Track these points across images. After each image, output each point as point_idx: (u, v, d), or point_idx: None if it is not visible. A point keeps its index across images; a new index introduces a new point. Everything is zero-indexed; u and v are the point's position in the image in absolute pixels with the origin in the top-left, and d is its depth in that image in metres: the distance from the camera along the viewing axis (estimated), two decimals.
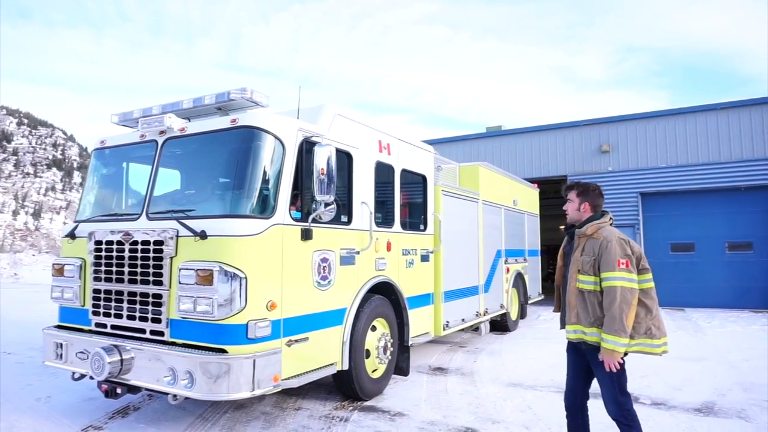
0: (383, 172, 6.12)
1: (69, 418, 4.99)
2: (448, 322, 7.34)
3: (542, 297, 12.77)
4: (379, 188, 5.97)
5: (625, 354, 3.24)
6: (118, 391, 4.49)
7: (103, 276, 4.77)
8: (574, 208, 3.54)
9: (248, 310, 4.11)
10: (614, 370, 3.18)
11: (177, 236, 4.34)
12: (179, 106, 5.01)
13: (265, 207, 4.41)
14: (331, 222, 5.00)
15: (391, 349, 5.99)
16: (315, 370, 4.78)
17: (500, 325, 10.11)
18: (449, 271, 7.44)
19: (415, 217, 6.99)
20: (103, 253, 4.77)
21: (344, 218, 5.39)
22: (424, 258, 6.91)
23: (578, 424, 3.60)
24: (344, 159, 5.42)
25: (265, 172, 4.49)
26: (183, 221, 4.31)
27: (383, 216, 6.17)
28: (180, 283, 4.21)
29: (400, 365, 6.27)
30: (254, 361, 4.05)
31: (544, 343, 9.18)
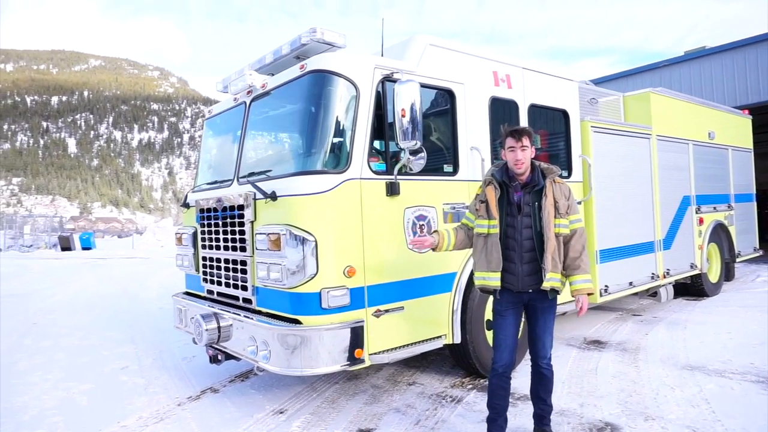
0: (502, 110, 5.10)
1: (197, 378, 5.23)
2: (606, 286, 6.05)
3: (760, 253, 10.13)
4: (497, 130, 4.98)
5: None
6: (219, 357, 4.49)
7: (207, 243, 4.80)
8: (531, 155, 3.32)
9: (321, 277, 3.66)
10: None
11: (254, 200, 4.08)
12: (263, 61, 4.70)
13: (338, 160, 3.87)
14: (427, 173, 4.26)
15: None
16: (414, 344, 4.18)
17: (693, 289, 8.22)
18: (607, 226, 6.09)
19: (555, 162, 5.79)
20: (205, 221, 4.78)
21: (448, 168, 4.59)
22: None
23: (508, 389, 3.52)
24: (444, 97, 4.59)
25: (337, 121, 3.94)
26: (256, 183, 4.02)
27: None
28: (257, 248, 3.95)
29: None
30: (330, 333, 3.61)
31: (755, 312, 7.15)
